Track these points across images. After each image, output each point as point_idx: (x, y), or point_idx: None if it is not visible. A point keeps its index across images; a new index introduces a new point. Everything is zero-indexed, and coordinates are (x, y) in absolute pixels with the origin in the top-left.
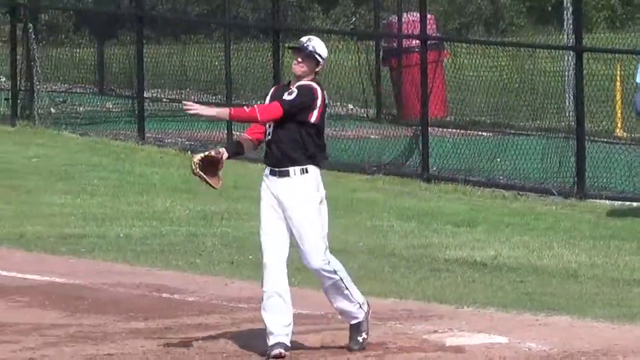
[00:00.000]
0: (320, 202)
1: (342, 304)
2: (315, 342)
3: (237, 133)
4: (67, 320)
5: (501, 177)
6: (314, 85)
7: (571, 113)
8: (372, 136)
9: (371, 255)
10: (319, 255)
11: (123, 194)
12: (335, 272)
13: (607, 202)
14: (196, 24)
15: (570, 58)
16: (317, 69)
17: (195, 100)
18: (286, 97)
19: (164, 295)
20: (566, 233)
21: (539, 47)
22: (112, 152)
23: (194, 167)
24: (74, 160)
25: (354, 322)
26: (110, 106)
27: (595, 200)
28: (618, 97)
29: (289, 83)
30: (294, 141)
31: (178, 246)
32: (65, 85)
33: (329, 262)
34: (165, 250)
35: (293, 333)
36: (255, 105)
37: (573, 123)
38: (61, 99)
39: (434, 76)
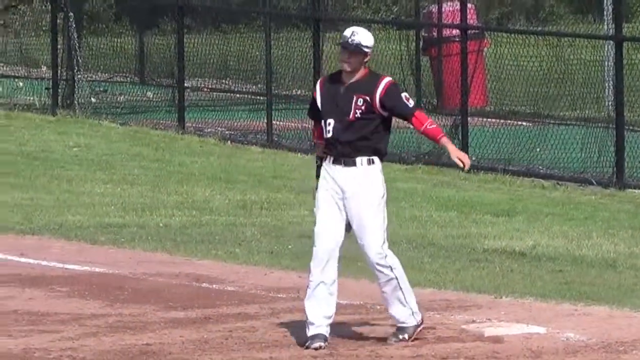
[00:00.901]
0: (383, 195)
1: (394, 305)
2: (354, 331)
3: (276, 122)
4: (106, 310)
5: (540, 167)
6: (391, 78)
7: (610, 103)
8: (411, 126)
9: (410, 244)
10: (376, 247)
11: (163, 184)
12: (391, 269)
13: None
14: (237, 13)
15: (610, 47)
16: (365, 60)
17: (236, 89)
18: (411, 103)
19: (203, 285)
20: (605, 223)
21: (579, 36)
22: (152, 142)
23: None
24: (114, 150)
25: (401, 325)
26: (151, 96)
27: (634, 190)
28: None
29: (336, 74)
30: (363, 136)
31: (217, 236)
32: (106, 74)
33: (385, 256)
34: (205, 239)
35: (332, 323)
36: (430, 121)
37: (612, 113)
38: (102, 89)
39: (474, 66)
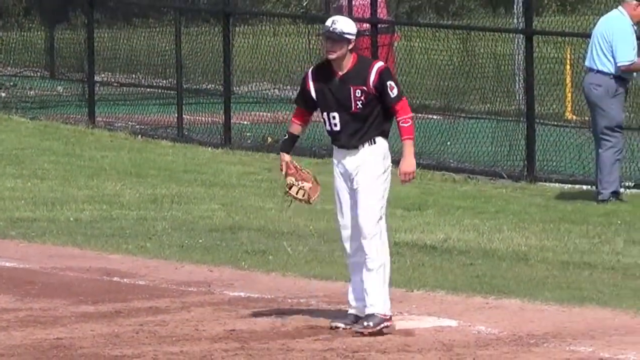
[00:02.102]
0: (384, 172)
1: (369, 289)
2: (266, 325)
3: (187, 117)
4: (17, 304)
5: (451, 161)
6: (382, 62)
7: (521, 96)
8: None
9: (322, 238)
10: (372, 221)
11: (73, 178)
12: (377, 251)
13: (557, 185)
14: (147, 7)
15: (520, 41)
16: (350, 47)
17: (146, 83)
18: (394, 93)
19: (114, 279)
20: (516, 216)
21: (489, 30)
22: (63, 136)
23: (290, 194)
24: (24, 144)
25: (369, 312)
26: (61, 90)
27: (545, 183)
28: (568, 80)
29: (325, 64)
30: (370, 122)
31: (128, 230)
32: (15, 69)
33: (380, 234)
34: (116, 234)
35: (243, 317)
36: (406, 117)
37: (523, 106)
38: (11, 83)
39: (385, 59)
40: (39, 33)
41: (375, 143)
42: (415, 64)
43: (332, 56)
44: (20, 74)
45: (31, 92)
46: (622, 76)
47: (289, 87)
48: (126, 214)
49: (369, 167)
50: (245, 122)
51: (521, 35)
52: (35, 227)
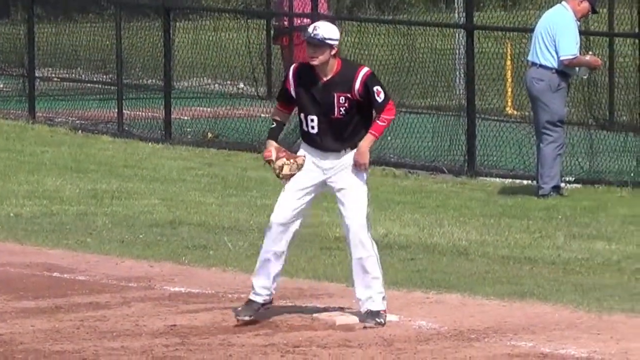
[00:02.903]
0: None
1: (363, 282)
2: (206, 320)
3: (127, 112)
4: None
5: (392, 155)
6: (367, 68)
7: (462, 91)
8: (263, 115)
9: (261, 233)
10: (360, 220)
11: (13, 174)
12: (372, 244)
13: (498, 180)
14: (87, 2)
15: (461, 36)
16: (333, 52)
17: (87, 79)
18: (381, 97)
19: (55, 274)
20: (457, 211)
21: (430, 25)
22: (2, 132)
23: (285, 174)
24: None
25: (370, 308)
26: (1, 85)
27: (485, 178)
28: (509, 75)
29: (309, 65)
30: (350, 129)
31: (68, 225)
32: None
33: (368, 229)
34: (56, 229)
35: (183, 312)
36: (386, 117)
37: (463, 101)
38: None
39: None
40: None
41: (356, 147)
42: (355, 59)
43: (315, 62)
44: None
45: None
46: (564, 71)
47: (229, 82)
48: (66, 210)
49: (356, 173)
50: (186, 118)
51: (462, 30)
52: None
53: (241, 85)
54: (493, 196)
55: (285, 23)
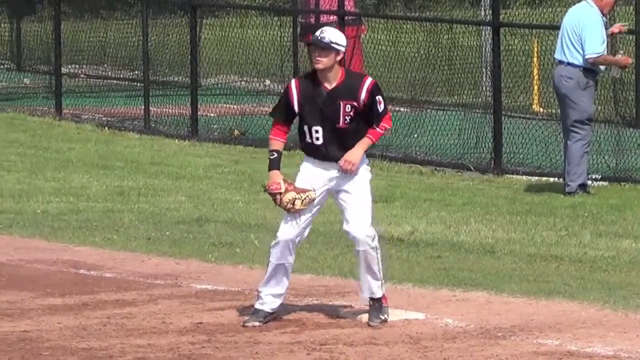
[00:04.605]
0: (370, 178)
1: (368, 275)
2: (233, 317)
3: (154, 109)
4: None
5: (418, 153)
6: (371, 78)
7: (488, 88)
8: None
9: None
10: (369, 221)
11: (40, 170)
12: (376, 239)
13: (524, 177)
14: None
15: (487, 33)
16: (338, 58)
17: (113, 75)
18: (381, 107)
19: (81, 271)
20: (483, 208)
21: (457, 22)
22: (29, 128)
23: (295, 209)
24: None
25: (371, 296)
26: (28, 82)
27: (512, 175)
28: (535, 72)
29: (311, 76)
30: (355, 139)
31: (95, 222)
32: None
33: (374, 236)
34: (83, 226)
35: (210, 310)
36: (384, 125)
37: (490, 98)
38: None
39: (352, 52)
40: (5, 25)
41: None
42: (382, 56)
43: (319, 66)
44: None
45: None
46: (592, 68)
47: (255, 79)
48: (93, 206)
49: (360, 174)
50: (212, 115)
51: (488, 28)
52: (2, 219)
53: (267, 82)
54: (519, 194)
55: (312, 20)
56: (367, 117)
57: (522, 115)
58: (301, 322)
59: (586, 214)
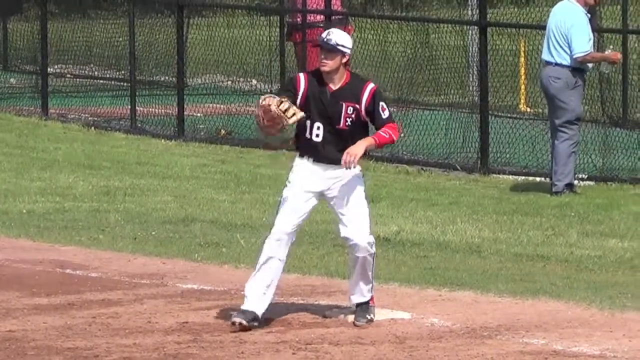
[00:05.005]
0: (364, 184)
1: (361, 279)
2: (219, 317)
3: (140, 109)
4: None
5: (405, 153)
6: (373, 84)
7: (475, 88)
8: None
9: None
10: (367, 234)
11: (26, 170)
12: (374, 245)
13: (511, 177)
14: None
15: (474, 33)
16: (344, 60)
17: (100, 75)
18: (385, 114)
19: (67, 271)
20: (469, 208)
21: (443, 22)
22: (15, 128)
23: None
24: None
25: (361, 300)
26: (13, 82)
27: (498, 175)
28: (522, 72)
29: (318, 74)
30: (352, 140)
31: (81, 222)
32: None
33: (373, 243)
34: (69, 226)
35: (196, 309)
36: (390, 132)
37: (477, 98)
38: None
39: None
40: None
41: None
42: (369, 56)
43: (325, 68)
44: None
45: None
46: (580, 68)
47: (242, 79)
48: (79, 206)
49: (354, 180)
50: (199, 114)
51: (475, 27)
52: None
53: (254, 82)
54: (506, 193)
55: (299, 20)
56: (364, 123)
57: (509, 115)
58: (287, 321)
59: (573, 214)
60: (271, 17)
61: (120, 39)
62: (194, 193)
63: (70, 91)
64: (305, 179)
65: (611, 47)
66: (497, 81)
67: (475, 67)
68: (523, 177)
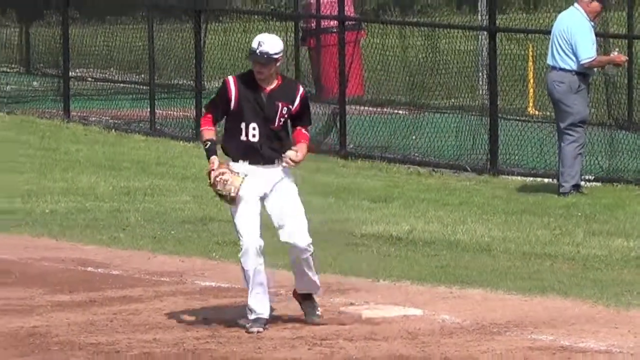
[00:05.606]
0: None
1: (308, 277)
2: (236, 313)
3: (159, 111)
4: None
5: (416, 154)
6: (300, 86)
7: (485, 91)
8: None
9: None
10: (305, 233)
11: (49, 171)
12: (311, 246)
13: (519, 178)
14: (120, 4)
15: (484, 38)
16: (278, 64)
17: (120, 79)
18: (310, 117)
19: (89, 269)
20: (479, 208)
21: (454, 27)
22: (38, 130)
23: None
24: (1, 138)
25: (311, 296)
26: (36, 85)
27: (507, 176)
28: (530, 76)
29: (248, 76)
30: (283, 140)
31: (102, 221)
32: None
33: (311, 242)
34: (90, 225)
35: (214, 306)
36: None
37: (486, 101)
38: None
39: (352, 56)
40: (14, 30)
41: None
42: (381, 60)
43: (261, 77)
44: None
45: (7, 88)
46: (583, 72)
47: None
48: (100, 206)
49: (289, 180)
50: None
51: (485, 33)
52: (11, 218)
53: None
54: (515, 194)
55: (313, 25)
56: (288, 123)
57: (518, 118)
58: (302, 318)
59: (579, 214)
60: (286, 23)
61: (140, 43)
62: (212, 193)
63: (91, 94)
64: (246, 185)
65: (617, 49)
66: (506, 85)
67: (484, 71)
68: (531, 178)
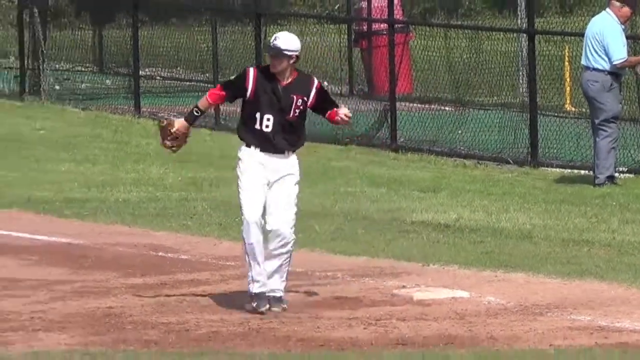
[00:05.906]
0: (300, 178)
1: (277, 273)
2: (296, 295)
3: (223, 106)
4: (72, 276)
5: (462, 148)
6: (315, 79)
7: (525, 90)
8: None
9: (345, 218)
10: (291, 224)
11: (121, 163)
12: (292, 244)
13: (558, 170)
14: (186, 8)
15: (523, 40)
16: (292, 61)
17: (186, 78)
18: (332, 101)
19: (160, 254)
20: (521, 198)
21: (495, 30)
22: (111, 125)
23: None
24: (76, 132)
25: (276, 295)
26: (109, 83)
27: (547, 168)
28: (567, 75)
29: (268, 70)
30: (297, 132)
31: (171, 210)
32: (68, 64)
33: (293, 234)
34: (160, 213)
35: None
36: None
37: (526, 99)
38: (64, 77)
39: (401, 56)
40: (88, 32)
41: (294, 152)
42: (429, 61)
43: (274, 69)
44: (73, 69)
45: (82, 86)
46: (615, 72)
47: None
48: (169, 195)
49: (294, 173)
50: None
51: (524, 35)
52: (87, 207)
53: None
54: (554, 185)
55: (365, 28)
56: (305, 116)
57: (556, 114)
58: (358, 299)
59: (614, 203)
60: (340, 26)
61: (204, 44)
62: None
63: (160, 92)
64: (256, 168)
65: None
66: (544, 83)
67: (524, 71)
68: (569, 170)
